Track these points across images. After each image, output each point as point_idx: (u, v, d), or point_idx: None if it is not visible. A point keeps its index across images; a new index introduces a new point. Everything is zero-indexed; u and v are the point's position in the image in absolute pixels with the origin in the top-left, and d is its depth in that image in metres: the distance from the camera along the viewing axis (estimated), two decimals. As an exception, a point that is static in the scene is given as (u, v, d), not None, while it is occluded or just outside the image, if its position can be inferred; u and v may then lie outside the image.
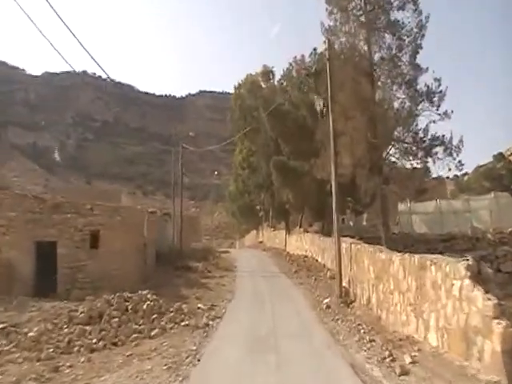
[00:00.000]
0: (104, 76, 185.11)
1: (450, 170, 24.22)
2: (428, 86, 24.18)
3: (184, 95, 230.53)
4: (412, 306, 10.83)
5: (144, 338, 13.93)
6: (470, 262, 8.64)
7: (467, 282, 8.32)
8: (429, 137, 24.28)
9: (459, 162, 23.85)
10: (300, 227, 43.34)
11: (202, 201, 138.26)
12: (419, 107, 24.35)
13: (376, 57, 25.16)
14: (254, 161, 48.93)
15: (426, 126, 24.62)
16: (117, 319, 14.99)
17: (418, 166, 25.24)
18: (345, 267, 18.27)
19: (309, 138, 30.97)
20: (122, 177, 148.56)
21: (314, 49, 35.22)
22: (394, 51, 24.53)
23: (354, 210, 37.63)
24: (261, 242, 61.12)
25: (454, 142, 23.88)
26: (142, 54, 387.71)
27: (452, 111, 24.03)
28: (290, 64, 37.15)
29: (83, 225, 20.93)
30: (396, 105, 25.63)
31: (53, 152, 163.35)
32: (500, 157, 70.89)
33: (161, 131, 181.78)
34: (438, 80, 24.15)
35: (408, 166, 25.98)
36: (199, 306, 18.31)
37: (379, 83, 25.46)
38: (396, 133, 25.10)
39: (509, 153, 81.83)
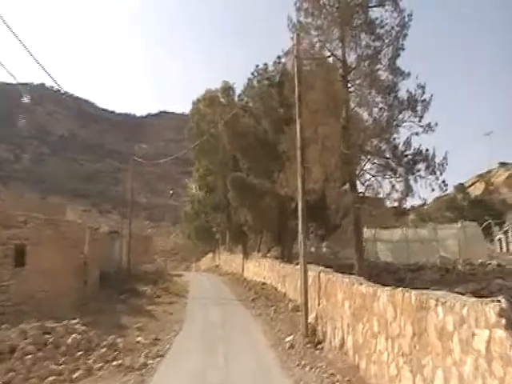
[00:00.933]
0: (63, 90, 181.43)
1: (433, 190, 22.10)
2: (411, 93, 21.99)
3: (144, 114, 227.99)
4: (406, 356, 8.12)
5: (63, 382, 11.13)
6: (504, 305, 5.99)
7: (502, 333, 5.60)
8: (411, 151, 22.07)
9: (443, 182, 21.85)
10: (258, 252, 41.02)
11: (159, 222, 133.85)
12: (399, 117, 22.01)
13: (351, 58, 22.98)
14: (211, 180, 47.01)
15: (408, 138, 22.52)
16: (31, 356, 12.10)
17: (397, 185, 22.80)
18: (312, 300, 15.46)
19: (270, 153, 28.58)
20: (78, 193, 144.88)
21: (278, 57, 32.44)
22: (371, 52, 22.27)
23: (318, 234, 35.20)
24: (217, 266, 58.86)
25: (438, 159, 21.83)
26: (104, 71, 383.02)
27: (436, 123, 21.93)
28: (252, 74, 33.90)
29: (7, 238, 17.81)
30: (373, 113, 22.99)
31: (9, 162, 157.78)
32: (461, 188, 70.40)
33: (119, 149, 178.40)
34: (421, 87, 21.98)
35: (386, 183, 23.42)
36: (139, 339, 15.56)
37: (354, 88, 23.13)
38: (373, 145, 22.72)
39: (470, 183, 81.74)
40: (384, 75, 22.33)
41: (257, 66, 33.13)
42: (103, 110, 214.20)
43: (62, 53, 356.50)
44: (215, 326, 18.62)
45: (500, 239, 51.68)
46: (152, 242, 58.12)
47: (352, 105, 23.02)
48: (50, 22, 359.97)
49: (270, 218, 31.35)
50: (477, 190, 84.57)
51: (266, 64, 32.89)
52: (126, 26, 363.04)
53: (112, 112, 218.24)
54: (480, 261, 32.75)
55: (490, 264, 31.47)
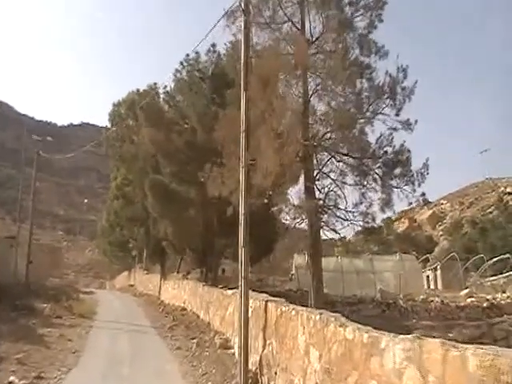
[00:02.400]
0: None
1: (410, 204, 18.78)
2: (390, 75, 18.05)
3: (66, 124, 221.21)
4: None
5: None
6: None
7: None
8: (389, 149, 18.18)
9: (422, 194, 18.30)
10: (178, 272, 37.90)
11: (76, 236, 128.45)
12: (372, 106, 18.01)
13: (315, 30, 18.74)
14: (129, 190, 43.38)
15: (388, 134, 18.60)
16: None
17: (369, 193, 18.71)
18: (252, 339, 11.54)
19: (198, 157, 24.81)
20: None
21: (213, 45, 27.95)
22: (339, 21, 18.00)
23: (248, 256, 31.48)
24: (132, 286, 55.07)
25: (415, 166, 18.27)
26: (25, 75, 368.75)
27: (416, 121, 18.31)
28: (181, 63, 28.58)
29: None
30: (338, 98, 18.40)
31: None
32: (389, 221, 69.23)
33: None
34: (402, 70, 18.01)
35: (350, 191, 19.13)
36: (11, 379, 11.35)
37: (316, 64, 18.65)
38: (337, 137, 18.34)
39: (397, 217, 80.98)
40: (354, 50, 18.53)
41: (187, 55, 28.38)
42: (23, 115, 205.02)
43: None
44: (121, 362, 14.59)
45: (428, 276, 50.41)
46: (62, 254, 54.02)
47: (312, 84, 18.75)
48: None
49: (193, 234, 27.43)
50: (401, 226, 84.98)
51: (197, 53, 28.30)
52: (55, 30, 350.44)
53: (32, 118, 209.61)
54: (422, 297, 30.50)
55: (432, 301, 29.16)
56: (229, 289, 19.49)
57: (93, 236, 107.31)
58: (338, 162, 18.55)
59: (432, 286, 47.35)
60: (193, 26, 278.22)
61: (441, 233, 79.14)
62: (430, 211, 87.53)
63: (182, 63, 28.09)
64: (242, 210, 11.70)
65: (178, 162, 27.15)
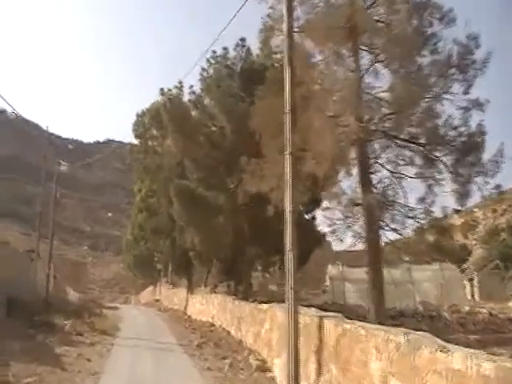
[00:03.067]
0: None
1: (483, 197, 16.07)
2: (459, 45, 15.17)
3: (92, 142, 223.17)
4: None
5: None
6: None
7: None
8: (461, 131, 15.15)
9: (497, 187, 15.54)
10: (205, 286, 36.14)
11: (102, 251, 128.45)
12: (438, 82, 15.04)
13: None
14: (153, 202, 42.37)
15: (463, 115, 15.64)
16: None
17: (436, 186, 15.90)
18: (301, 363, 9.29)
19: (228, 160, 23.24)
20: (17, 216, 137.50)
21: (242, 39, 26.19)
22: None
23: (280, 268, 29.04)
24: (157, 301, 53.63)
25: (486, 155, 15.45)
26: (53, 94, 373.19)
27: (488, 100, 15.33)
28: (208, 61, 26.54)
29: None
30: (399, 74, 15.49)
31: None
32: (420, 231, 66.81)
33: (63, 174, 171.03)
34: (473, 38, 15.02)
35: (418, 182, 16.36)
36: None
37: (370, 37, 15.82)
38: (397, 121, 15.35)
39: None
40: (416, 20, 15.47)
41: (214, 51, 26.30)
42: (50, 133, 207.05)
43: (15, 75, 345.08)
44: (145, 386, 12.78)
45: (464, 286, 48.08)
46: (86, 269, 52.89)
47: (366, 59, 16.05)
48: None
49: (222, 242, 25.49)
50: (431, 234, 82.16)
51: (225, 48, 26.32)
52: (74, 50, 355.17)
53: (59, 137, 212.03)
54: (467, 308, 28.35)
55: (479, 313, 27.07)
56: (263, 302, 17.56)
57: (118, 251, 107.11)
58: (399, 147, 15.92)
59: (469, 297, 45.03)
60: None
61: (474, 242, 76.44)
62: (462, 219, 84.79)
63: (208, 60, 26.13)
64: (288, 206, 9.78)
65: (205, 167, 25.27)
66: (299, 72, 12.25)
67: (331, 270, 34.84)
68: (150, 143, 41.54)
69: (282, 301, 10.35)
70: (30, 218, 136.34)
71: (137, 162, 44.27)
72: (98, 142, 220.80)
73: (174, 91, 30.47)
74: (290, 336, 8.93)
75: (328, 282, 35.57)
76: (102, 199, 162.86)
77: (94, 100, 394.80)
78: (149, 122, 40.02)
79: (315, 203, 23.37)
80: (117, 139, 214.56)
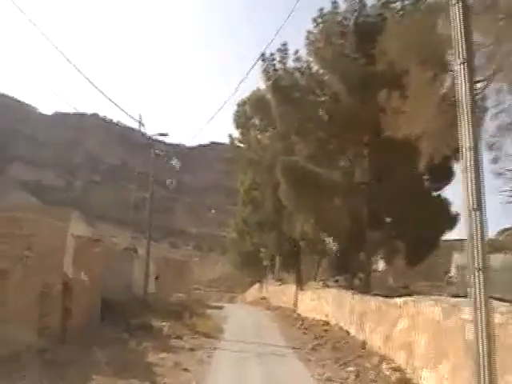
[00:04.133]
0: (115, 120, 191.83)
1: None
2: None
3: (195, 145, 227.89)
4: None
5: None
6: None
7: None
8: None
9: None
10: (316, 280, 34.92)
11: (208, 252, 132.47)
12: None
13: None
14: (257, 195, 41.06)
15: None
16: None
17: None
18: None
19: (342, 132, 20.69)
20: (125, 221, 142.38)
21: None
22: None
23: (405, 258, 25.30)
24: (264, 299, 52.33)
25: None
26: (153, 101, 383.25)
27: None
28: (314, 21, 22.93)
29: None
30: None
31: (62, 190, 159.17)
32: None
33: (167, 178, 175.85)
34: None
35: None
36: None
37: None
38: None
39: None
40: None
41: (321, 9, 22.73)
42: (153, 139, 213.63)
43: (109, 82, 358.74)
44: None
45: None
46: (190, 269, 51.71)
47: None
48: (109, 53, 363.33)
49: (337, 228, 22.37)
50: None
51: (335, 2, 22.81)
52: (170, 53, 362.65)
53: (162, 142, 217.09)
54: None
55: None
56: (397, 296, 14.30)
57: (223, 251, 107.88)
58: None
59: None
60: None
61: None
62: None
63: (315, 20, 22.84)
64: (465, 142, 6.50)
65: (315, 141, 22.65)
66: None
67: (457, 258, 30.53)
68: (252, 133, 40.79)
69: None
70: (136, 222, 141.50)
71: (239, 153, 43.90)
72: (202, 146, 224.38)
73: (277, 55, 27.21)
74: (480, 342, 5.65)
75: (453, 273, 31.41)
76: (205, 201, 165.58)
77: (199, 105, 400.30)
78: (250, 110, 38.99)
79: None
80: (220, 141, 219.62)
